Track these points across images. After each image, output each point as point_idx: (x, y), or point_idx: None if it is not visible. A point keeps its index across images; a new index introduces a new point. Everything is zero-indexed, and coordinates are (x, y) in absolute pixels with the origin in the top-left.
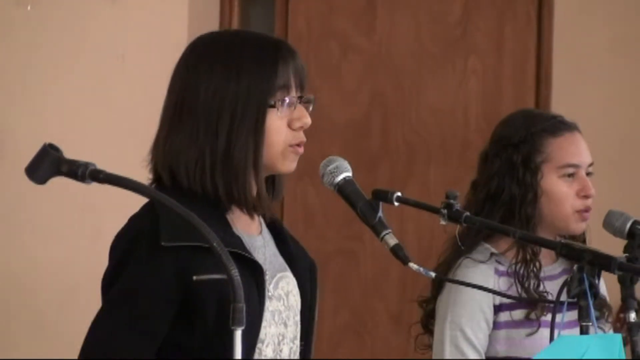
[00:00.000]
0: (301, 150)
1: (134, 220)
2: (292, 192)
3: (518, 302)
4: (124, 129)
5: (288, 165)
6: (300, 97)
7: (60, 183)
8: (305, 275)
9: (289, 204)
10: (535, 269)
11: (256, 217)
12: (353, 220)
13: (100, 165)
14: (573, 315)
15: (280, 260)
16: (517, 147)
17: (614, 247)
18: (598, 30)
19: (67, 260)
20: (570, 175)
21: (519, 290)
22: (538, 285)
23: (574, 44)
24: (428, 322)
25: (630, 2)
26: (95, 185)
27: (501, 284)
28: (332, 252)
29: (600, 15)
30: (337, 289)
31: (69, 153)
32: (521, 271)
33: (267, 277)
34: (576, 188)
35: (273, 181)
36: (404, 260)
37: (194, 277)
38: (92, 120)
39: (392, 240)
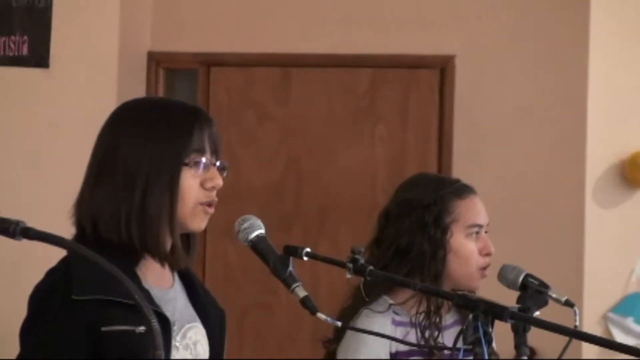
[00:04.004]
0: (211, 210)
1: (49, 273)
2: (213, 250)
3: (414, 351)
4: (56, 190)
5: (197, 223)
6: (215, 163)
7: None
8: (216, 324)
9: (211, 261)
10: (436, 321)
11: (168, 270)
12: (269, 275)
13: (34, 224)
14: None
15: (190, 311)
16: (428, 208)
17: (509, 298)
18: (496, 102)
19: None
20: (475, 234)
21: (419, 339)
22: (438, 336)
23: (473, 114)
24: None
25: (528, 76)
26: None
27: (397, 333)
28: (250, 305)
29: (498, 88)
30: (255, 339)
31: (4, 212)
32: (423, 322)
33: (174, 329)
34: (479, 246)
35: (188, 238)
36: (312, 310)
37: (102, 328)
38: (26, 183)
39: (301, 292)
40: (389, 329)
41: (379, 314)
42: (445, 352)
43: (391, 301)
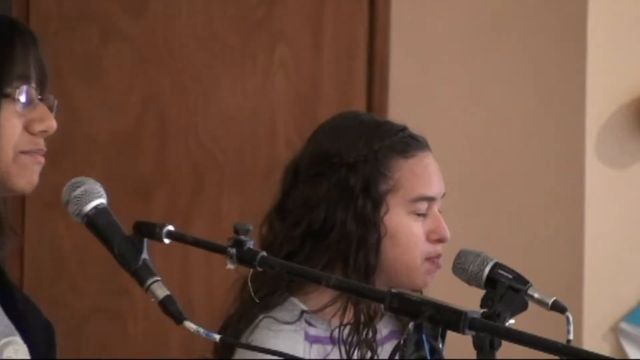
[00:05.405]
0: (42, 160)
1: None
2: (36, 230)
3: None
4: None
5: (25, 178)
6: (42, 99)
7: None
8: (41, 339)
9: (32, 247)
10: (368, 335)
11: None
12: (119, 268)
13: None
14: None
15: (4, 321)
16: (355, 168)
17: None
18: (456, 14)
19: None
20: (422, 212)
21: None
22: (372, 358)
23: (420, 31)
24: None
25: None
26: None
27: (313, 353)
28: (90, 311)
29: None
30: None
31: None
32: (349, 337)
33: None
34: (428, 228)
35: None
36: (177, 318)
37: None
38: None
39: (161, 291)
40: (301, 348)
41: (286, 325)
42: None
43: (303, 306)
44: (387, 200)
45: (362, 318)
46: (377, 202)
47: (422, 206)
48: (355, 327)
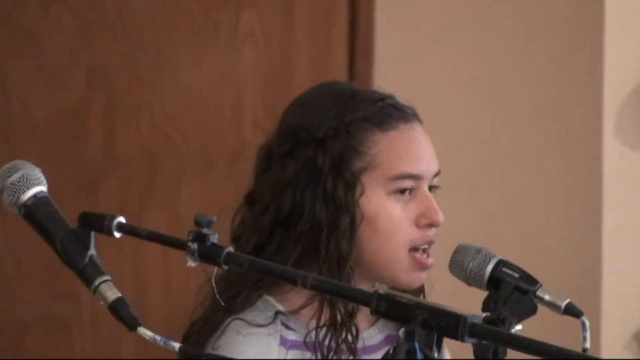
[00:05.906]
0: None
1: None
2: None
3: None
4: None
5: None
6: None
7: None
8: None
9: None
10: (349, 337)
11: None
12: (63, 270)
13: None
14: None
15: None
16: (324, 144)
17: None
18: None
19: None
20: (406, 191)
21: None
22: None
23: None
24: None
25: None
26: None
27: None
28: (30, 321)
29: None
30: None
31: None
32: (327, 341)
33: None
34: (415, 212)
35: None
36: (130, 323)
37: None
38: None
39: (111, 293)
40: (275, 354)
41: (258, 328)
42: None
43: (279, 306)
44: (363, 180)
45: (339, 318)
46: (350, 183)
47: (405, 184)
48: (332, 329)
